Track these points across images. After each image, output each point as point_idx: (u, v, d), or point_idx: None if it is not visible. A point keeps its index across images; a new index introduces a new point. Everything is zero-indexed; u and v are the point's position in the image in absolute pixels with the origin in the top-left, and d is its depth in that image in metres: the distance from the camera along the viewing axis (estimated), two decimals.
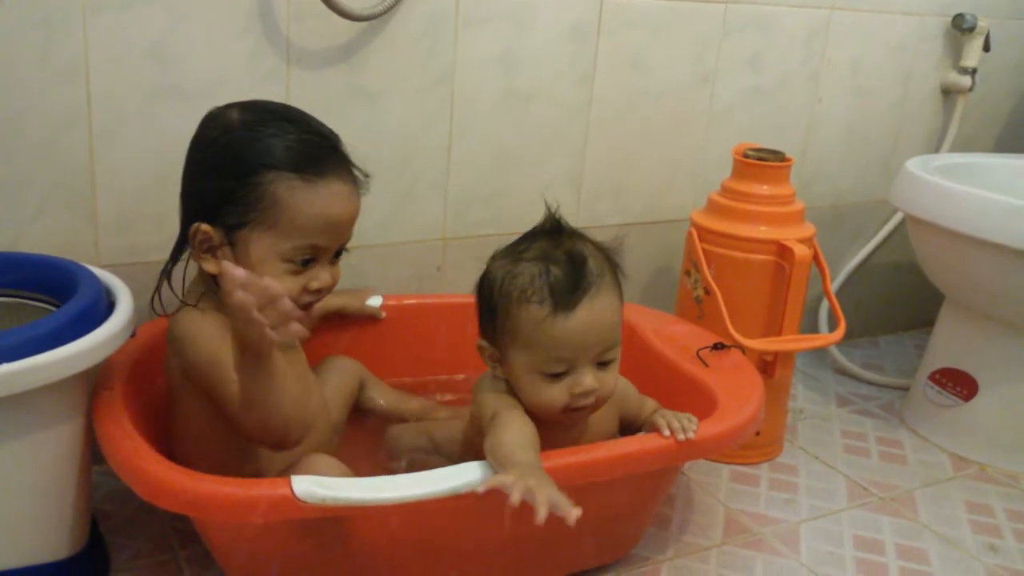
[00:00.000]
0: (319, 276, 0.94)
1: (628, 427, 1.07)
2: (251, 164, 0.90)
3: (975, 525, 1.25)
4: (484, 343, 0.98)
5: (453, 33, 1.26)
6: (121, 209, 1.13)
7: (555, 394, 0.93)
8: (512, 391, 0.97)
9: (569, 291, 0.90)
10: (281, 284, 0.87)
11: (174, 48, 1.10)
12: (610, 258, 0.96)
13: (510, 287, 0.93)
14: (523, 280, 0.92)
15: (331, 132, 0.96)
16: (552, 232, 0.97)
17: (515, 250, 0.96)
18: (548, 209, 0.98)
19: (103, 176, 1.11)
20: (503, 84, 1.32)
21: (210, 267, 0.93)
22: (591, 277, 0.92)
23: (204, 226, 0.92)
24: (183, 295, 0.97)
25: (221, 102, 1.12)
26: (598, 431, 1.03)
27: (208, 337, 0.91)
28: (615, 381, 0.96)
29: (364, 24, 1.19)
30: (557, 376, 0.93)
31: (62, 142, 1.07)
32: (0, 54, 1.02)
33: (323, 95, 1.19)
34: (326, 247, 0.93)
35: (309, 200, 0.90)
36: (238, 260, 0.91)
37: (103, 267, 1.04)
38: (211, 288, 0.95)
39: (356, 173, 0.96)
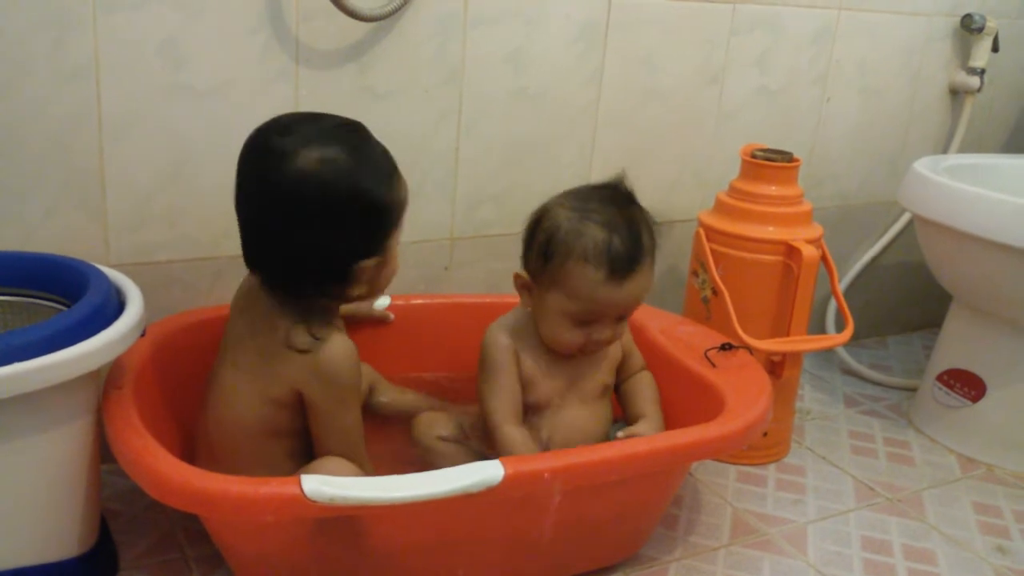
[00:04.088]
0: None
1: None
2: (384, 204, 0.95)
3: (983, 526, 1.25)
4: (524, 274, 1.07)
5: (462, 33, 1.26)
6: (131, 209, 1.13)
7: (576, 337, 1.05)
8: (524, 327, 1.09)
9: (625, 263, 1.01)
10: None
11: (184, 47, 1.10)
12: (654, 235, 1.06)
13: (574, 243, 1.01)
14: (587, 242, 1.01)
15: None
16: (618, 198, 1.06)
17: (584, 207, 1.04)
18: (621, 178, 1.08)
19: (113, 175, 1.11)
20: (511, 84, 1.32)
21: (361, 291, 0.98)
22: (643, 253, 1.03)
23: (367, 262, 0.95)
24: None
25: (231, 101, 1.13)
26: (611, 356, 1.14)
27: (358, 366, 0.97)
28: (626, 329, 1.11)
29: (373, 24, 1.19)
30: (583, 323, 1.04)
31: (72, 141, 1.08)
32: (11, 53, 1.02)
33: (331, 95, 1.19)
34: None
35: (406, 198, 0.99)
36: (381, 268, 0.97)
37: (113, 267, 1.05)
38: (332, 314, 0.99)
39: None
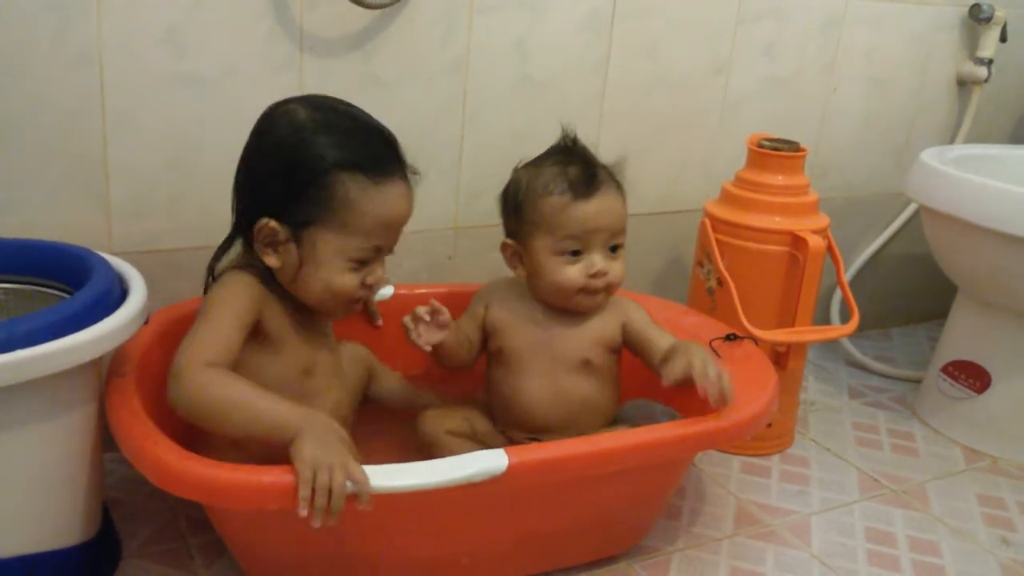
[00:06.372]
0: (374, 272, 0.98)
1: (634, 345, 1.14)
2: (324, 165, 0.92)
3: (987, 518, 1.25)
4: (508, 240, 1.13)
5: (467, 20, 1.26)
6: (134, 196, 1.13)
7: (573, 274, 1.08)
8: (507, 285, 1.16)
9: (585, 184, 1.07)
10: (342, 280, 0.94)
11: (188, 34, 1.09)
12: (612, 174, 1.11)
13: (535, 184, 1.09)
14: (546, 177, 1.08)
15: (391, 133, 0.98)
16: (567, 149, 1.12)
17: (536, 161, 1.12)
18: (563, 130, 1.13)
19: (116, 163, 1.11)
20: (517, 72, 1.32)
21: (271, 261, 0.95)
22: (602, 176, 1.09)
23: (272, 222, 0.93)
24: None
25: (234, 89, 1.13)
26: (598, 332, 1.13)
27: (232, 283, 0.94)
28: (622, 271, 1.11)
29: (377, 11, 1.19)
30: (574, 257, 1.08)
31: (75, 129, 1.07)
32: (14, 40, 1.02)
33: (336, 83, 1.19)
34: (386, 246, 0.98)
35: (378, 201, 0.94)
36: (302, 256, 0.94)
37: (116, 254, 1.04)
38: (261, 271, 0.97)
39: (409, 173, 0.99)
